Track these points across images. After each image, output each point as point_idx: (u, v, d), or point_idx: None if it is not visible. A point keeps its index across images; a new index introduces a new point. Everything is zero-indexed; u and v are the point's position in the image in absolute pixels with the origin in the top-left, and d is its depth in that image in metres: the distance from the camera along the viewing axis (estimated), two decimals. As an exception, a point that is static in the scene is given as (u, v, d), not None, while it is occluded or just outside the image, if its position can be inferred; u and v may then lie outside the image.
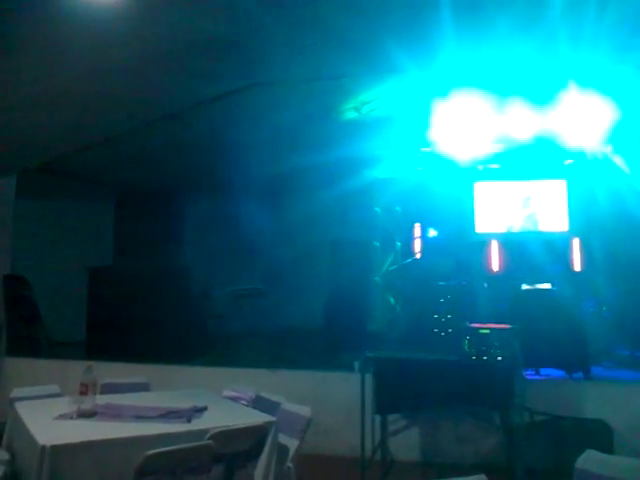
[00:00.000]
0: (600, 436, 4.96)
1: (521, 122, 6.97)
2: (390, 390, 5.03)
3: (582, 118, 6.55)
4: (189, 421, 3.42)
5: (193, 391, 4.38)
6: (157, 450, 2.84)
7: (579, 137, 6.74)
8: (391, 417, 5.60)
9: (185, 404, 3.71)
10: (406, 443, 5.63)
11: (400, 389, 4.99)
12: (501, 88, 6.63)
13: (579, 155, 7.34)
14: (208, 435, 3.09)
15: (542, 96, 6.69)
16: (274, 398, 4.10)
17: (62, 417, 3.40)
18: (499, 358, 4.63)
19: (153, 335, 7.37)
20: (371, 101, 7.07)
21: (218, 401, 4.09)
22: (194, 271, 9.11)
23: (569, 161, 7.69)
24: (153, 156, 7.99)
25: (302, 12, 4.46)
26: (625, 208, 7.12)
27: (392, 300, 8.06)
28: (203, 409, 3.68)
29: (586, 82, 6.29)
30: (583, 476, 2.74)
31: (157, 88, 5.79)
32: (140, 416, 3.46)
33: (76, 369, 3.94)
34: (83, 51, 4.72)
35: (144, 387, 4.59)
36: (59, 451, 2.87)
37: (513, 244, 7.96)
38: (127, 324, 7.52)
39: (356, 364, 5.43)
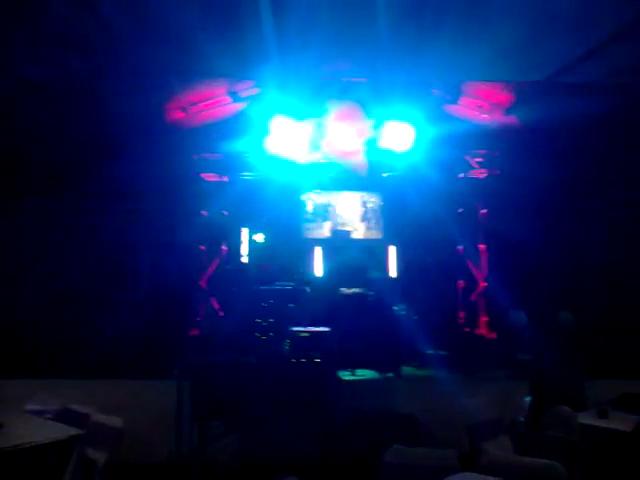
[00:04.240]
0: (408, 430, 5.35)
1: (345, 138, 7.36)
2: (209, 396, 4.96)
3: (395, 137, 7.14)
4: (-19, 440, 3.09)
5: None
6: (-62, 475, 2.53)
7: (393, 153, 7.32)
8: (212, 422, 5.52)
9: (-23, 421, 3.34)
10: (225, 448, 5.57)
11: (220, 394, 4.94)
12: (324, 104, 6.97)
13: (394, 169, 7.97)
14: (4, 454, 2.82)
15: (365, 113, 7.13)
16: (83, 410, 3.86)
17: None
18: (317, 360, 4.80)
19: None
20: (199, 102, 6.97)
21: (18, 416, 3.75)
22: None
23: (385, 174, 8.26)
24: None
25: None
26: (434, 219, 7.85)
27: (216, 305, 8.00)
28: (-1, 426, 3.34)
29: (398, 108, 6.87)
30: (388, 468, 3.01)
31: None
32: None
33: None
34: None
35: None
36: None
37: (335, 250, 8.36)
38: None
39: (176, 371, 5.28)
